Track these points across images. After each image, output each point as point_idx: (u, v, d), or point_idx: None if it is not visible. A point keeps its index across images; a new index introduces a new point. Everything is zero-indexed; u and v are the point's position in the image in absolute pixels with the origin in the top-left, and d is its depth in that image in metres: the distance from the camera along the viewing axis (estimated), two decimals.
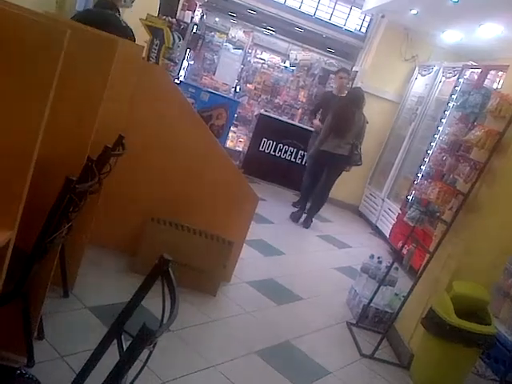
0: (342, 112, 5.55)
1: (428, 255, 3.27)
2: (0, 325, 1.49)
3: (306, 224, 5.70)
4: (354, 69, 7.53)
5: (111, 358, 1.25)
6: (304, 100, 8.10)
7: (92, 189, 1.81)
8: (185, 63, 6.66)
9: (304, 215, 5.81)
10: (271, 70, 8.06)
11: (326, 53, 8.00)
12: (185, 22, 5.63)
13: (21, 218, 1.30)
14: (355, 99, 5.63)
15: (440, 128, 5.59)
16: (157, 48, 3.98)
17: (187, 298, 3.04)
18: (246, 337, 2.96)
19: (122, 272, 3.15)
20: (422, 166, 5.70)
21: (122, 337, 1.23)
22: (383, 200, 6.69)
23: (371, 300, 3.60)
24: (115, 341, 1.25)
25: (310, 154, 5.95)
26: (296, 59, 8.10)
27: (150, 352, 1.03)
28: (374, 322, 3.64)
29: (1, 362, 1.85)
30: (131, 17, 3.88)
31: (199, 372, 2.47)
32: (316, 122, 6.12)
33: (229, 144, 7.29)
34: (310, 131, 6.70)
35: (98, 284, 2.95)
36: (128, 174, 2.99)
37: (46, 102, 1.17)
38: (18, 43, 1.16)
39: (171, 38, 4.28)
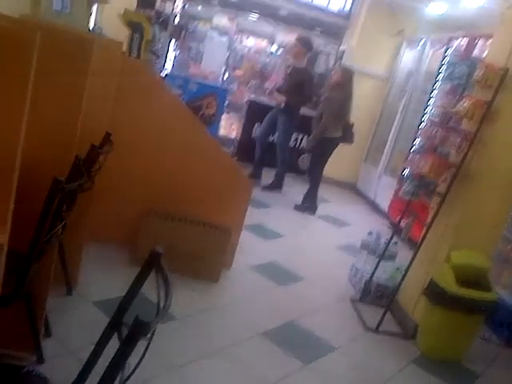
0: (348, 98, 5.55)
1: (425, 228, 3.30)
2: (8, 325, 1.52)
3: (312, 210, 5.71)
4: (341, 48, 7.49)
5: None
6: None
7: (83, 187, 1.83)
8: (171, 55, 6.63)
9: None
10: (258, 55, 8.01)
11: (313, 33, 7.93)
12: (165, 14, 5.58)
13: (15, 221, 1.32)
14: (352, 81, 5.61)
15: (430, 101, 5.59)
16: (137, 42, 3.95)
17: (190, 285, 3.09)
18: (251, 319, 3.01)
19: (123, 265, 3.19)
20: (414, 141, 5.71)
21: (122, 329, 1.26)
22: (380, 176, 6.71)
23: (372, 275, 3.65)
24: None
25: (312, 144, 5.68)
26: (282, 42, 8.04)
27: (149, 341, 1.06)
28: (377, 296, 3.69)
29: (9, 361, 1.90)
30: (110, 11, 3.87)
31: (205, 357, 2.53)
32: (279, 97, 6.07)
33: (222, 132, 7.28)
34: (304, 114, 6.67)
35: (100, 279, 2.99)
36: (121, 170, 3.01)
37: (24, 104, 1.19)
38: None
39: (150, 31, 4.26)
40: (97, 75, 1.88)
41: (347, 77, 5.59)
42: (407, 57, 6.85)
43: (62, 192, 1.47)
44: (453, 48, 5.40)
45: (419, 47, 6.40)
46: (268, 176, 6.21)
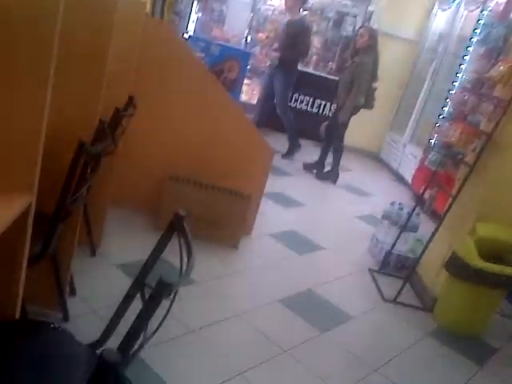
0: (376, 62, 5.33)
1: (451, 199, 3.24)
2: (35, 284, 1.57)
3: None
4: (369, 9, 7.26)
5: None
6: (318, 46, 7.89)
7: (107, 150, 1.84)
8: (193, 16, 6.51)
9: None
10: (282, 16, 7.83)
11: None
12: None
13: (42, 184, 1.34)
14: (378, 43, 5.36)
15: (462, 66, 5.37)
16: (161, 2, 3.87)
17: (210, 250, 3.12)
18: (269, 286, 3.03)
19: (145, 230, 3.23)
20: (444, 108, 5.56)
21: (145, 290, 1.28)
22: (405, 145, 6.60)
23: (393, 246, 3.62)
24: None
25: (348, 116, 5.41)
26: (308, 3, 7.83)
27: (171, 302, 1.08)
28: (397, 268, 3.68)
29: (37, 318, 1.96)
30: None
31: (224, 320, 2.57)
32: (274, 54, 5.89)
33: (243, 97, 7.20)
34: (327, 79, 6.53)
35: (123, 242, 3.04)
36: (143, 134, 3.01)
37: (49, 66, 1.18)
38: (12, 13, 1.16)
39: None
40: (120, 36, 1.86)
41: (375, 38, 5.31)
42: (439, 18, 6.58)
43: (87, 154, 1.48)
44: (489, 8, 5.13)
45: (452, 8, 6.14)
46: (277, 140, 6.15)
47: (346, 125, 5.44)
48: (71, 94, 1.74)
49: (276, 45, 6.07)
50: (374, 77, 5.34)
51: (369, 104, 5.44)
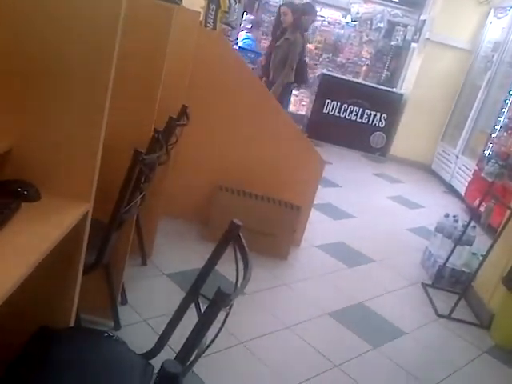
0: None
1: (508, 211, 3.10)
2: (88, 292, 1.59)
3: None
4: (421, 18, 7.13)
5: (190, 320, 1.32)
6: (368, 56, 7.82)
7: (161, 160, 1.85)
8: (243, 27, 6.57)
9: None
10: (332, 26, 7.81)
11: (390, 3, 7.62)
12: None
13: (97, 192, 1.36)
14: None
15: None
16: (213, 13, 3.91)
17: (259, 262, 3.10)
18: (319, 299, 2.98)
19: (195, 240, 3.25)
20: (499, 118, 5.35)
21: (200, 300, 1.28)
22: (457, 156, 6.40)
23: (447, 260, 3.50)
24: (193, 304, 1.31)
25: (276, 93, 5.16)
26: (358, 13, 7.78)
27: (227, 313, 1.06)
28: (451, 282, 3.54)
29: (89, 326, 1.99)
30: None
31: (275, 333, 2.53)
32: None
33: (291, 108, 7.20)
34: (377, 89, 6.46)
35: (173, 252, 3.06)
36: (194, 144, 3.04)
37: (109, 78, 1.20)
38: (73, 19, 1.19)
39: (227, 2, 4.22)
40: (175, 46, 1.88)
41: (299, 12, 5.23)
42: (494, 27, 6.37)
43: (142, 163, 1.49)
44: None
45: (509, 15, 5.93)
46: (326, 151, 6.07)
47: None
48: (127, 103, 1.77)
49: None
50: (303, 51, 5.28)
51: (302, 79, 5.35)
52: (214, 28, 3.93)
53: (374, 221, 4.72)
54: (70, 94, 1.24)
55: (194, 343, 0.97)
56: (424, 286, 3.50)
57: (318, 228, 3.98)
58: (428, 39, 6.85)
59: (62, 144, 1.27)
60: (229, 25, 4.77)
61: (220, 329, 1.01)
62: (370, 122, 7.09)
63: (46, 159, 1.28)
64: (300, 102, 7.47)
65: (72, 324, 1.49)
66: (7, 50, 1.21)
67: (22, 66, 1.23)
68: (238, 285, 1.07)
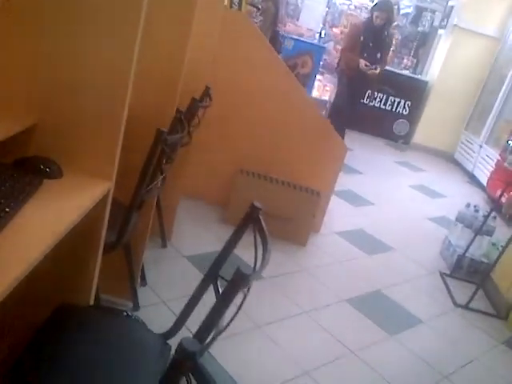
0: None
1: None
2: (107, 273, 1.60)
3: None
4: (449, 3, 6.96)
5: (206, 303, 1.32)
6: (394, 42, 7.66)
7: (183, 141, 1.85)
8: None
9: None
10: (358, 11, 7.66)
11: None
12: None
13: (118, 172, 1.36)
14: None
15: None
16: None
17: (278, 247, 3.10)
18: (337, 285, 2.97)
19: (214, 223, 3.26)
20: None
21: (218, 282, 1.28)
22: (481, 146, 6.29)
23: (467, 250, 3.46)
24: (211, 286, 1.31)
25: None
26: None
27: (245, 295, 1.06)
28: (469, 272, 3.51)
29: (110, 305, 2.01)
30: None
31: (292, 317, 2.54)
32: None
33: (314, 93, 7.12)
34: (401, 75, 6.34)
35: (192, 234, 3.08)
36: (215, 127, 3.03)
37: (133, 52, 1.19)
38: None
39: None
40: (199, 27, 1.86)
41: None
42: None
43: (165, 143, 1.49)
44: None
45: None
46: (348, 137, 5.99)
47: None
48: (151, 83, 1.76)
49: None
50: (275, 19, 5.23)
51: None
52: (240, 9, 3.88)
53: (395, 209, 4.68)
54: (94, 71, 1.24)
55: (212, 323, 0.97)
56: (442, 275, 3.47)
57: (338, 214, 3.96)
58: (456, 26, 6.70)
59: (85, 122, 1.28)
60: (254, 6, 4.72)
61: (238, 309, 1.01)
62: (394, 109, 6.99)
63: (69, 137, 1.29)
64: (324, 88, 7.37)
65: (92, 303, 1.51)
66: (31, 29, 1.21)
67: (47, 44, 1.23)
68: (257, 266, 1.06)
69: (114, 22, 1.19)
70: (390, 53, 5.38)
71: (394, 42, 5.30)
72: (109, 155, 1.29)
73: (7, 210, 0.98)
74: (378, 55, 5.10)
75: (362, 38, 5.08)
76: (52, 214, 1.10)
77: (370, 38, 5.05)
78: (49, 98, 1.26)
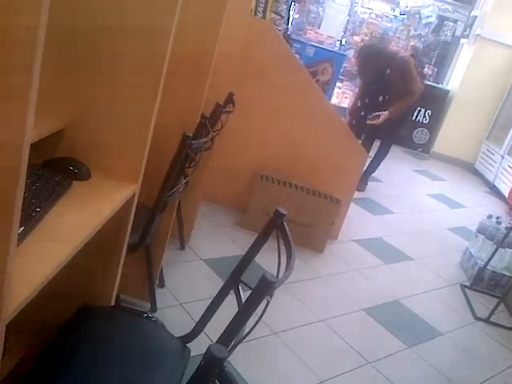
0: None
1: None
2: (126, 274, 1.61)
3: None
4: (472, 13, 6.91)
5: (225, 306, 1.32)
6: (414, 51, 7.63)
7: (206, 146, 1.86)
8: (290, 17, 6.51)
9: None
10: (379, 19, 7.64)
11: None
12: None
13: (144, 176, 1.38)
14: None
15: None
16: (264, 1, 3.87)
17: (295, 253, 3.08)
18: (355, 294, 2.95)
19: (233, 227, 3.26)
20: None
21: (240, 288, 1.28)
22: (503, 156, 6.20)
23: (488, 262, 3.41)
24: (232, 291, 1.31)
25: None
26: (407, 6, 7.59)
27: (268, 303, 1.06)
28: (490, 285, 3.45)
29: (131, 306, 2.03)
30: None
31: (309, 325, 2.52)
32: None
33: (334, 100, 7.11)
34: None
35: (210, 238, 3.09)
36: (237, 132, 3.04)
37: (164, 59, 1.21)
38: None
39: None
40: (226, 33, 1.88)
41: None
42: None
43: (190, 148, 1.50)
44: None
45: None
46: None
47: None
48: (177, 89, 1.78)
49: None
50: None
51: None
52: (264, 17, 3.90)
53: (414, 218, 4.63)
54: (124, 77, 1.25)
55: (236, 329, 0.97)
56: (462, 287, 3.42)
57: (356, 222, 3.94)
58: (478, 35, 6.64)
59: (114, 125, 1.29)
60: (278, 14, 4.74)
61: (260, 316, 1.01)
62: (414, 118, 6.94)
63: (98, 139, 1.30)
64: (343, 95, 7.36)
65: (112, 303, 1.52)
66: (63, 29, 1.23)
67: (77, 47, 1.25)
68: (280, 274, 1.06)
69: (146, 31, 1.21)
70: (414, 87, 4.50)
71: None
72: (136, 159, 1.31)
73: (38, 209, 0.99)
74: (381, 98, 4.62)
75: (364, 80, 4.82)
76: (80, 215, 1.12)
77: (372, 81, 4.65)
78: (80, 103, 1.28)
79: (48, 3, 0.60)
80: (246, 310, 0.95)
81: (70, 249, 0.96)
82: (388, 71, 4.50)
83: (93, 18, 1.22)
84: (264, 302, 1.07)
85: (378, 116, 4.47)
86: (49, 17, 0.61)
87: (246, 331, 1.08)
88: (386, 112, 4.44)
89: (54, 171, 1.20)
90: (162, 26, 1.19)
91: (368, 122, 4.53)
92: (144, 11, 1.19)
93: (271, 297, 1.05)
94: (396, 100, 4.50)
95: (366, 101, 4.75)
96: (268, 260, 1.11)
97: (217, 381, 0.75)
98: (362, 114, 4.69)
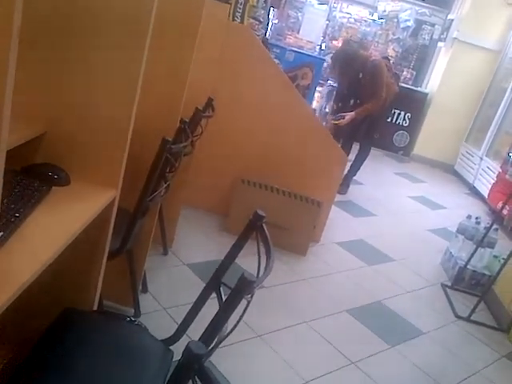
0: None
1: None
2: (109, 280, 1.62)
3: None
4: (449, 17, 7.04)
5: (210, 310, 1.33)
6: (393, 54, 7.74)
7: (185, 150, 1.87)
8: (269, 23, 6.56)
9: None
10: (358, 24, 7.74)
11: (417, 1, 7.53)
12: None
13: (125, 181, 1.38)
14: None
15: None
16: (241, 7, 3.90)
17: (277, 256, 3.11)
18: (337, 296, 2.98)
19: (214, 231, 3.27)
20: None
21: (221, 289, 1.29)
22: (481, 158, 6.31)
23: (468, 261, 3.47)
24: (213, 294, 1.32)
25: None
26: (384, 11, 7.70)
27: (248, 302, 1.07)
28: (471, 284, 3.51)
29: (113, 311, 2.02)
30: None
31: (291, 327, 2.54)
32: None
33: (315, 105, 7.16)
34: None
35: (193, 242, 3.09)
36: (217, 136, 3.06)
37: (141, 65, 1.22)
38: (108, 11, 1.21)
39: None
40: (204, 38, 1.89)
41: None
42: None
43: (169, 152, 1.51)
44: None
45: None
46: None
47: None
48: (155, 93, 1.79)
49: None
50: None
51: None
52: (242, 22, 3.92)
53: (395, 220, 4.69)
54: (102, 82, 1.26)
55: (216, 329, 0.98)
56: (444, 286, 3.47)
57: (338, 225, 3.98)
58: (455, 39, 6.76)
59: (92, 132, 1.30)
60: (256, 19, 4.77)
61: (241, 316, 1.02)
62: (394, 121, 7.04)
63: (77, 146, 1.31)
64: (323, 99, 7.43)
65: (95, 308, 1.52)
66: (37, 35, 1.24)
67: (55, 51, 1.25)
68: (260, 274, 1.08)
69: (121, 36, 1.22)
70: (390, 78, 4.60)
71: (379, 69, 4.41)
72: (115, 164, 1.32)
73: (17, 215, 1.00)
74: (352, 102, 4.70)
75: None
76: (60, 220, 1.12)
77: (346, 85, 4.74)
78: (58, 109, 1.29)
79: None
80: (226, 309, 0.97)
81: (49, 254, 0.97)
82: (361, 75, 4.57)
83: (68, 18, 1.23)
84: (245, 304, 1.08)
85: (343, 117, 4.53)
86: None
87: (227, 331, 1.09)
88: (352, 113, 4.52)
89: (33, 177, 1.20)
90: (138, 33, 1.21)
91: (333, 121, 4.60)
92: (119, 16, 1.21)
93: (251, 296, 1.06)
94: (366, 103, 4.57)
95: (340, 104, 4.84)
96: (249, 262, 1.13)
97: (196, 377, 0.76)
98: None
